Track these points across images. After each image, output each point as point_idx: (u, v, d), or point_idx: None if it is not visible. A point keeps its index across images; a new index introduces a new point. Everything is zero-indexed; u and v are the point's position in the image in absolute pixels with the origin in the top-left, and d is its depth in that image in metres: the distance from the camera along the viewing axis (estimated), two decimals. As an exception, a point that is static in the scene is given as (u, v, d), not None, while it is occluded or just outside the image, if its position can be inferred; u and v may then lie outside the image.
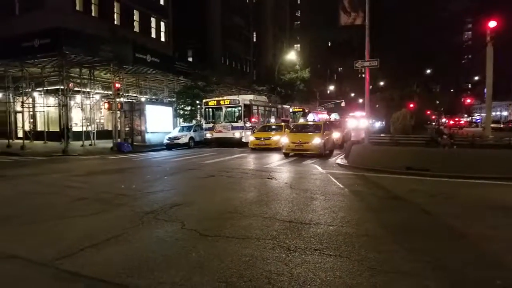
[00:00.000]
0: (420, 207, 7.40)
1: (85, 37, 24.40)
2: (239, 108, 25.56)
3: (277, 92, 49.63)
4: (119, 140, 24.26)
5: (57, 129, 27.45)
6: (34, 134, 28.69)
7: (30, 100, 28.82)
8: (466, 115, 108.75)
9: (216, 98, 28.14)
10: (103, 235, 5.53)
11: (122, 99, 26.58)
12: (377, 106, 47.04)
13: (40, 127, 30.01)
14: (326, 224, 6.04)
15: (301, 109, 43.19)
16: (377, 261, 4.44)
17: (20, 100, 27.15)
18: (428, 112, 69.22)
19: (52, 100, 28.83)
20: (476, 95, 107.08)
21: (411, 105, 41.87)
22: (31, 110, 29.45)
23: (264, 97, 35.85)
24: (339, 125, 26.36)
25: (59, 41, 22.16)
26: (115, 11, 36.00)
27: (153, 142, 26.49)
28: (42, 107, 28.84)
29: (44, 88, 27.83)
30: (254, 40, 66.72)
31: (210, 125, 26.17)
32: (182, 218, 6.41)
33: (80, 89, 26.93)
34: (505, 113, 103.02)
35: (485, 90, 20.88)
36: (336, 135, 22.27)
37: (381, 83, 61.91)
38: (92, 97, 28.22)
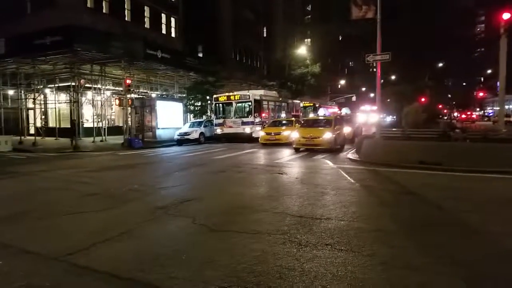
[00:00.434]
0: (433, 202, 7.31)
1: (96, 34, 24.55)
2: (250, 103, 25.51)
3: (288, 87, 49.37)
4: (129, 136, 24.39)
5: (69, 126, 27.68)
6: (45, 131, 29.04)
7: (42, 96, 29.16)
8: (478, 109, 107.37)
9: (227, 94, 28.13)
10: (114, 230, 5.56)
11: (132, 95, 26.74)
12: (388, 100, 46.64)
13: (51, 123, 30.36)
14: (337, 219, 6.00)
15: (311, 104, 43.02)
16: (389, 256, 4.39)
17: (32, 96, 27.51)
18: (440, 106, 68.51)
19: (63, 96, 29.10)
20: (489, 89, 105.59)
21: (423, 99, 41.47)
22: (42, 106, 29.82)
23: (274, 92, 35.73)
24: (350, 119, 26.20)
25: (70, 38, 22.32)
26: (126, 7, 36.12)
27: (163, 138, 26.62)
28: (54, 104, 29.12)
29: (56, 85, 28.12)
30: (265, 35, 66.46)
31: (221, 121, 26.18)
32: (193, 213, 6.42)
33: (91, 86, 27.17)
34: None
35: (498, 83, 20.58)
36: (347, 129, 22.10)
37: (393, 77, 61.35)
38: (103, 94, 28.43)
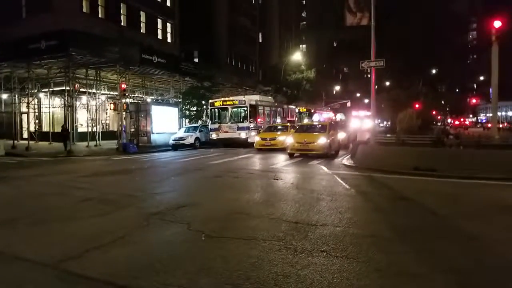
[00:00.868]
0: (428, 208, 7.34)
1: (91, 38, 24.51)
2: (245, 108, 25.52)
3: (283, 92, 49.54)
4: (124, 141, 24.31)
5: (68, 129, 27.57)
6: (39, 135, 28.87)
7: (36, 101, 28.99)
8: (471, 115, 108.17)
9: (222, 99, 28.13)
10: (109, 236, 5.52)
11: (128, 100, 26.67)
12: (382, 106, 46.92)
13: (45, 128, 30.19)
14: (332, 225, 6.00)
15: (306, 110, 43.13)
16: (385, 263, 4.39)
17: (26, 101, 27.32)
18: (434, 112, 68.93)
19: (57, 101, 28.99)
20: (482, 95, 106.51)
21: (417, 105, 41.74)
22: (36, 111, 29.64)
23: (270, 97, 35.80)
24: (345, 125, 26.21)
25: (65, 43, 22.27)
26: (121, 12, 36.12)
27: (159, 143, 26.51)
28: (48, 108, 28.98)
29: (50, 89, 28.01)
30: (260, 40, 66.69)
31: (216, 126, 26.15)
32: (188, 219, 6.39)
33: (86, 90, 27.06)
34: (510, 113, 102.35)
35: (491, 90, 20.75)
36: (341, 135, 22.04)
37: (387, 83, 61.69)
38: (98, 98, 28.33)
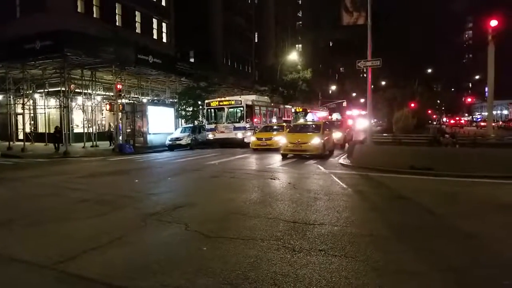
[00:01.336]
0: (425, 207, 7.36)
1: (86, 38, 24.38)
2: (241, 108, 25.51)
3: (279, 92, 49.51)
4: (120, 141, 24.23)
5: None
6: (35, 136, 28.74)
7: (31, 102, 28.83)
8: (466, 114, 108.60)
9: (218, 99, 28.11)
10: (106, 237, 5.49)
11: (123, 101, 26.58)
12: (378, 105, 46.96)
13: (41, 129, 30.06)
14: (330, 225, 6.00)
15: (303, 109, 43.13)
16: (383, 262, 4.40)
17: (21, 102, 27.17)
18: (429, 111, 69.14)
19: (53, 101, 28.86)
20: (477, 94, 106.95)
21: (412, 105, 41.82)
22: (32, 112, 29.48)
23: (266, 97, 35.82)
24: (340, 125, 26.10)
25: (60, 43, 22.13)
26: (116, 12, 36.01)
27: (155, 143, 26.47)
28: (43, 109, 28.85)
29: (45, 90, 27.88)
30: (256, 40, 66.68)
31: (212, 126, 26.13)
32: (186, 220, 6.37)
33: (81, 91, 26.94)
34: (505, 112, 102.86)
35: (486, 88, 20.84)
36: (337, 135, 21.96)
37: (383, 83, 61.85)
38: (94, 99, 28.21)
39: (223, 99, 27.56)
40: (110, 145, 25.86)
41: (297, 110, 41.50)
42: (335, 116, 43.21)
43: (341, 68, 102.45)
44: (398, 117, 27.31)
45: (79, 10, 32.07)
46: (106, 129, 27.82)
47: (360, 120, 51.51)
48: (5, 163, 18.15)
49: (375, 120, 50.81)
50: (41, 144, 26.97)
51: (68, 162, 18.36)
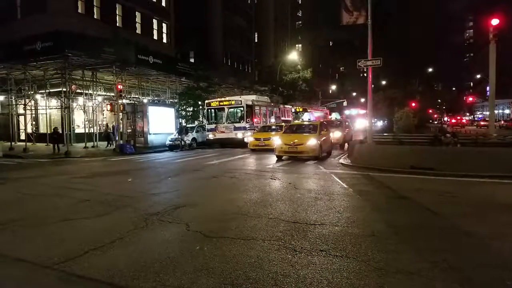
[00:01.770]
0: (427, 207, 7.35)
1: (87, 39, 24.44)
2: (241, 108, 25.54)
3: (279, 92, 49.55)
4: (121, 141, 24.26)
5: (60, 131, 27.46)
6: (36, 137, 28.79)
7: (33, 102, 28.88)
8: (468, 114, 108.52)
9: (218, 99, 28.15)
10: (107, 237, 5.51)
11: (124, 101, 26.60)
12: (378, 104, 46.94)
13: (42, 129, 30.08)
14: (331, 225, 6.01)
15: (303, 109, 43.10)
16: (384, 262, 4.40)
17: (23, 102, 27.24)
18: (430, 111, 69.14)
19: (54, 102, 28.88)
20: (478, 93, 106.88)
21: (413, 104, 41.84)
22: (33, 112, 29.53)
23: (266, 97, 35.82)
24: (339, 124, 25.56)
25: (61, 44, 22.16)
26: (117, 13, 36.06)
27: (155, 144, 26.50)
28: (45, 110, 28.90)
29: (47, 91, 27.90)
30: (256, 40, 66.78)
31: (213, 126, 26.16)
32: (187, 220, 6.39)
33: (82, 91, 26.97)
34: (507, 111, 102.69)
35: (488, 88, 20.83)
36: (337, 134, 21.66)
37: (383, 82, 61.83)
38: (95, 99, 28.25)
39: (223, 99, 27.59)
40: (107, 145, 25.89)
41: (297, 110, 41.47)
42: (334, 115, 42.89)
43: (341, 68, 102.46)
44: (399, 117, 27.29)
45: (79, 11, 32.13)
46: (103, 130, 27.71)
47: (359, 120, 51.38)
48: (7, 163, 18.18)
49: (379, 120, 50.73)
50: (42, 145, 26.99)
51: (69, 162, 18.38)
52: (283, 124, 25.28)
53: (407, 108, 31.15)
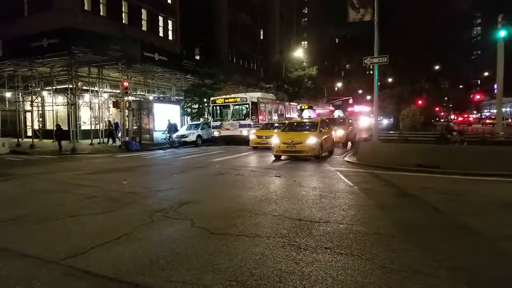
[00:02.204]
0: (432, 205, 7.33)
1: (93, 36, 24.51)
2: (247, 106, 25.52)
3: (285, 89, 49.45)
4: (127, 138, 24.34)
5: (66, 128, 27.58)
6: (43, 133, 28.98)
7: (39, 99, 29.07)
8: (475, 112, 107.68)
9: (224, 96, 28.13)
10: (113, 233, 5.54)
11: (130, 98, 26.68)
12: (384, 102, 46.72)
13: (49, 126, 30.27)
14: (336, 222, 6.00)
15: (308, 107, 42.98)
16: (389, 260, 4.39)
17: (29, 99, 27.43)
18: (437, 109, 68.75)
19: (61, 99, 29.06)
20: (486, 91, 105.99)
21: (420, 102, 41.64)
22: (40, 109, 29.73)
23: (271, 94, 35.73)
24: (342, 122, 24.40)
25: (67, 41, 22.27)
26: (123, 10, 36.09)
27: (161, 140, 26.56)
28: (51, 106, 29.07)
29: (53, 87, 28.09)
30: (261, 37, 66.60)
31: (218, 123, 26.17)
32: (192, 216, 6.41)
33: (88, 88, 27.10)
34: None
35: (495, 86, 20.69)
36: (339, 132, 20.88)
37: (390, 80, 61.52)
38: (101, 96, 28.37)
39: (228, 96, 27.56)
40: (109, 142, 25.96)
41: (303, 107, 41.32)
42: (337, 113, 42.07)
43: (347, 65, 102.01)
44: (405, 115, 27.19)
45: (86, 8, 32.19)
46: (106, 127, 27.68)
47: (364, 117, 50.74)
48: (14, 159, 18.32)
49: (385, 118, 50.37)
50: (49, 141, 27.14)
51: (75, 158, 18.49)
52: (286, 121, 25.04)
53: (413, 106, 31.02)
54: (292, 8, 79.27)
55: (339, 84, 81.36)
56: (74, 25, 24.90)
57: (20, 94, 28.47)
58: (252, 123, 25.04)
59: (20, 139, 26.08)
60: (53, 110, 29.32)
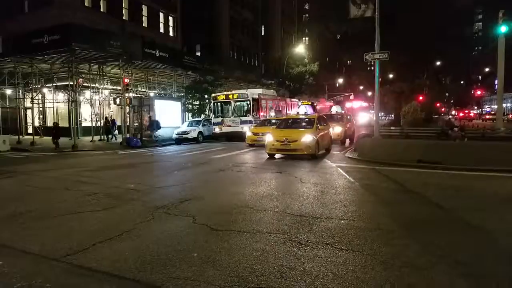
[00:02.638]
0: (433, 201, 7.33)
1: (94, 32, 24.48)
2: (248, 102, 25.50)
3: (286, 86, 49.39)
4: (128, 135, 24.36)
5: (67, 125, 27.60)
6: (43, 130, 28.99)
7: (40, 96, 29.07)
8: (476, 107, 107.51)
9: (225, 92, 28.11)
10: (114, 230, 5.56)
11: (131, 94, 26.67)
12: (386, 98, 46.65)
13: (49, 123, 30.28)
14: (337, 218, 6.01)
15: (309, 103, 42.91)
16: (390, 255, 4.40)
17: (30, 96, 27.42)
18: (438, 105, 68.67)
19: (61, 96, 29.06)
20: (487, 87, 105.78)
21: (421, 98, 41.58)
22: (40, 106, 29.74)
23: (272, 91, 35.69)
24: (340, 118, 23.23)
25: (68, 37, 22.23)
26: (123, 6, 36.06)
27: (162, 137, 26.56)
28: (52, 103, 29.07)
29: (54, 84, 28.07)
30: (262, 33, 66.49)
31: (219, 120, 26.15)
32: (193, 213, 6.42)
33: (89, 85, 27.09)
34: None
35: (496, 81, 20.66)
36: (337, 129, 19.93)
37: (390, 76, 61.40)
38: (101, 93, 28.37)
39: (229, 92, 27.53)
40: (107, 139, 25.94)
41: (304, 103, 41.23)
42: (335, 109, 40.66)
43: (348, 61, 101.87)
44: (406, 111, 27.16)
45: (86, 4, 32.18)
46: (103, 123, 27.56)
47: (362, 113, 50.09)
48: (15, 156, 18.35)
49: (387, 114, 50.09)
50: (49, 138, 27.10)
51: (76, 155, 18.51)
52: (284, 118, 24.74)
53: (414, 101, 30.98)
54: (293, 4, 79.08)
55: (340, 80, 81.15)
56: (75, 22, 24.84)
57: (20, 91, 28.47)
58: (253, 120, 25.01)
59: (20, 136, 26.12)
60: (53, 107, 29.33)
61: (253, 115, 25.14)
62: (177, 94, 33.38)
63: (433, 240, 5.01)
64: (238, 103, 26.01)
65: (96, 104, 28.55)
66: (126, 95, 24.44)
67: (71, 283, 3.95)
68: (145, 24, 38.87)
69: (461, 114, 74.31)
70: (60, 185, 9.76)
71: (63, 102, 28.48)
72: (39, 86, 28.53)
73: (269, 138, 14.97)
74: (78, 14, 29.18)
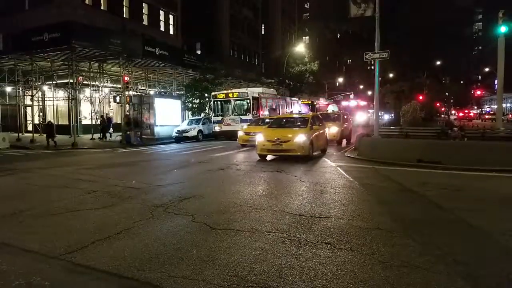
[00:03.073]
0: (432, 200, 7.33)
1: (94, 30, 24.48)
2: (248, 101, 25.50)
3: (286, 84, 49.37)
4: (128, 133, 24.32)
5: (67, 123, 27.59)
6: (43, 128, 28.97)
7: (40, 93, 29.06)
8: (475, 107, 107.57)
9: (225, 91, 28.10)
10: (114, 228, 5.56)
11: (131, 93, 26.66)
12: (385, 98, 46.67)
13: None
14: (336, 218, 6.01)
15: (309, 102, 42.89)
16: (389, 255, 4.40)
17: (30, 93, 27.41)
18: (438, 104, 68.68)
19: (61, 93, 29.05)
20: (486, 87, 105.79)
21: (420, 97, 41.59)
22: (40, 103, 29.71)
23: (272, 89, 35.69)
24: (337, 118, 22.11)
25: (68, 35, 22.22)
26: (124, 4, 36.01)
27: (162, 135, 26.55)
28: (52, 101, 29.06)
29: (54, 82, 28.06)
30: (263, 32, 66.46)
31: (219, 118, 26.16)
32: (192, 211, 6.42)
33: (89, 83, 27.09)
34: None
35: (496, 81, 20.65)
36: (333, 129, 19.26)
37: (391, 75, 61.38)
38: (101, 91, 28.37)
39: (229, 91, 27.52)
40: (103, 137, 25.86)
41: (303, 102, 41.21)
42: (331, 108, 39.37)
43: (348, 60, 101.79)
44: (406, 110, 27.15)
45: (86, 2, 32.14)
46: (100, 121, 27.39)
47: (360, 113, 49.46)
48: (14, 154, 18.35)
49: (386, 113, 50.03)
50: (49, 136, 27.18)
51: (76, 153, 18.50)
52: None
53: (414, 101, 30.97)
54: (294, 2, 78.98)
55: (341, 79, 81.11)
56: (75, 19, 24.81)
57: (20, 89, 28.46)
58: (253, 118, 25.01)
59: (20, 134, 26.14)
60: (53, 105, 29.31)
61: (253, 114, 25.14)
62: (177, 92, 33.37)
63: (432, 239, 5.01)
64: (238, 101, 26.02)
65: (96, 102, 28.51)
66: (126, 93, 24.43)
67: (70, 281, 3.95)
68: (145, 22, 38.83)
69: (460, 114, 74.36)
70: (59, 183, 9.76)
71: (63, 100, 28.46)
72: (39, 83, 28.52)
73: (259, 138, 14.08)
74: (79, 12, 29.14)
